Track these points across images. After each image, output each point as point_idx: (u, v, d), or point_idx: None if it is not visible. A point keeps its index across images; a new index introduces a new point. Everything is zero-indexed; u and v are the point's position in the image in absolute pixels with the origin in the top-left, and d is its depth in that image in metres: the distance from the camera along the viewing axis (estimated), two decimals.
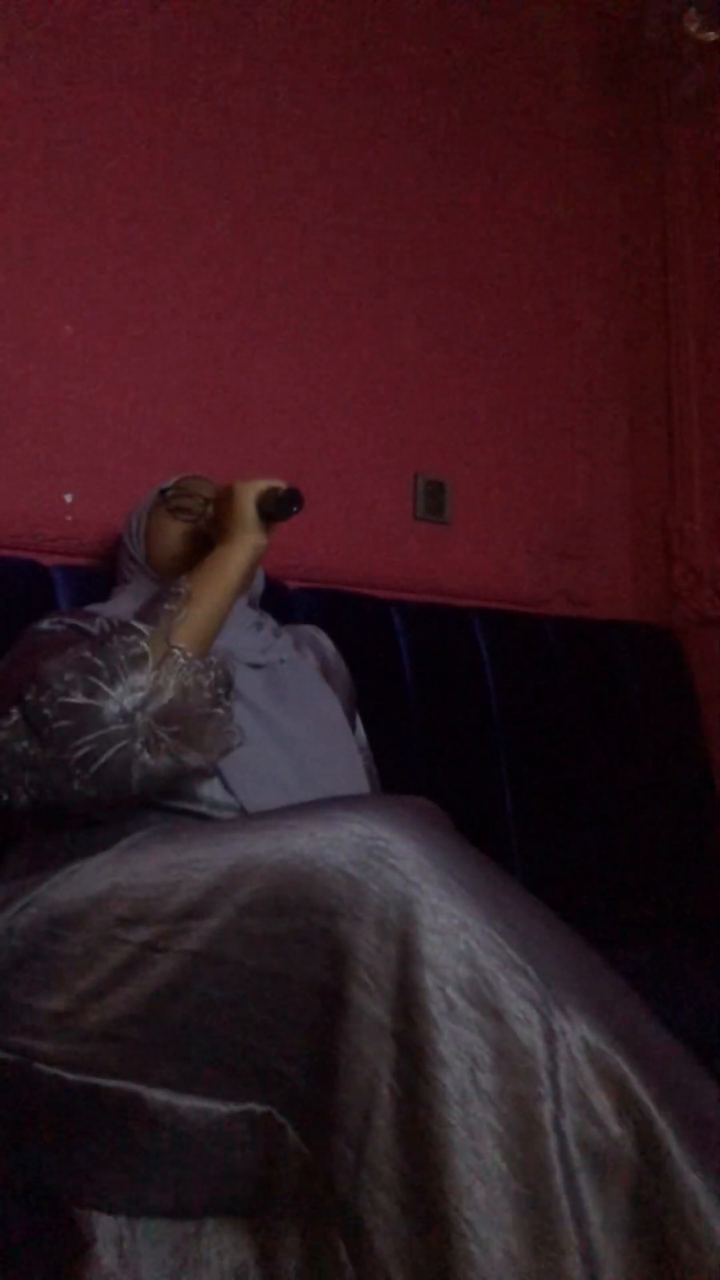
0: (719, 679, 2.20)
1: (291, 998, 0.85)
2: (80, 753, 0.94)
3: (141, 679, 0.97)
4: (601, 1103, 0.78)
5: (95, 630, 1.16)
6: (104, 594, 1.38)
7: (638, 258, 2.44)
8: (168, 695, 0.97)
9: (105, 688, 0.95)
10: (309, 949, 0.85)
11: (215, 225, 1.79)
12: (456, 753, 1.77)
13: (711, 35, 2.06)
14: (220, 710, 1.02)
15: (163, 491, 1.33)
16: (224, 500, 1.19)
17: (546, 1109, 0.76)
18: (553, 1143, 0.75)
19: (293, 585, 1.69)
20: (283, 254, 1.87)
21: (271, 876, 0.87)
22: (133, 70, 1.71)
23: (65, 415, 1.59)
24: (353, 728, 1.39)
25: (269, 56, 1.89)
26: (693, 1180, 0.76)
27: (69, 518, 1.57)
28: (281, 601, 1.60)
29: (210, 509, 1.26)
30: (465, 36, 2.20)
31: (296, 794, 1.06)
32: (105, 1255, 0.89)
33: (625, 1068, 0.79)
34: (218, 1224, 0.90)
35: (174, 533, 1.30)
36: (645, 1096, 0.78)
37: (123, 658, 0.97)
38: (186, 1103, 0.88)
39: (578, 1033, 0.80)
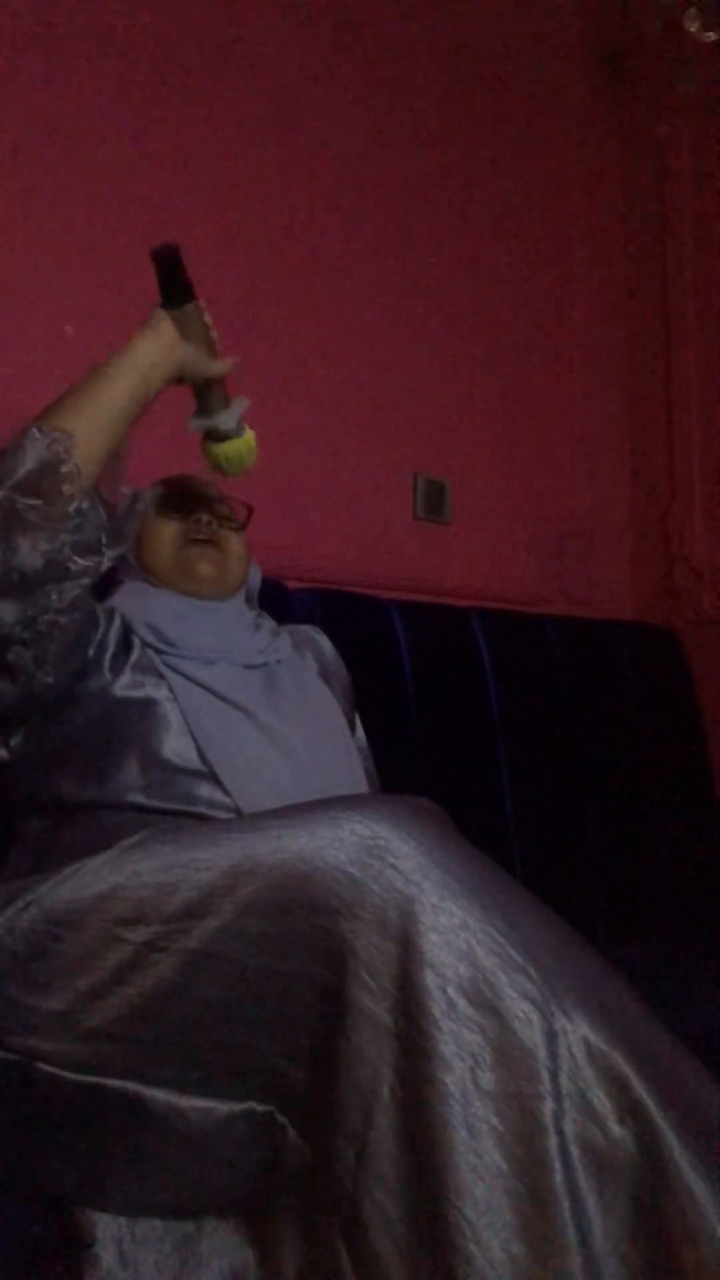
0: (719, 679, 2.20)
1: (292, 997, 0.85)
2: None
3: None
4: (602, 1102, 0.78)
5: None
6: (104, 593, 1.38)
7: (638, 259, 2.44)
8: (24, 469, 0.98)
9: None
10: (309, 949, 0.85)
11: (215, 226, 1.79)
12: (456, 752, 1.77)
13: (711, 35, 2.07)
14: (68, 488, 1.01)
15: (158, 493, 1.33)
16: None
17: (547, 1108, 0.76)
18: (553, 1142, 0.75)
19: (292, 585, 1.69)
20: (282, 255, 1.87)
21: (272, 876, 0.87)
22: (134, 71, 1.71)
23: None
24: (352, 728, 1.39)
25: (270, 59, 1.88)
26: (693, 1180, 0.76)
27: None
28: (281, 601, 1.60)
29: (205, 512, 1.27)
30: (466, 38, 2.20)
31: (293, 795, 1.06)
32: (105, 1255, 0.89)
33: (626, 1067, 0.79)
34: (218, 1224, 0.90)
35: (165, 534, 1.29)
36: (646, 1096, 0.78)
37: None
38: (187, 1102, 0.88)
39: (578, 1032, 0.80)
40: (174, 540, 1.29)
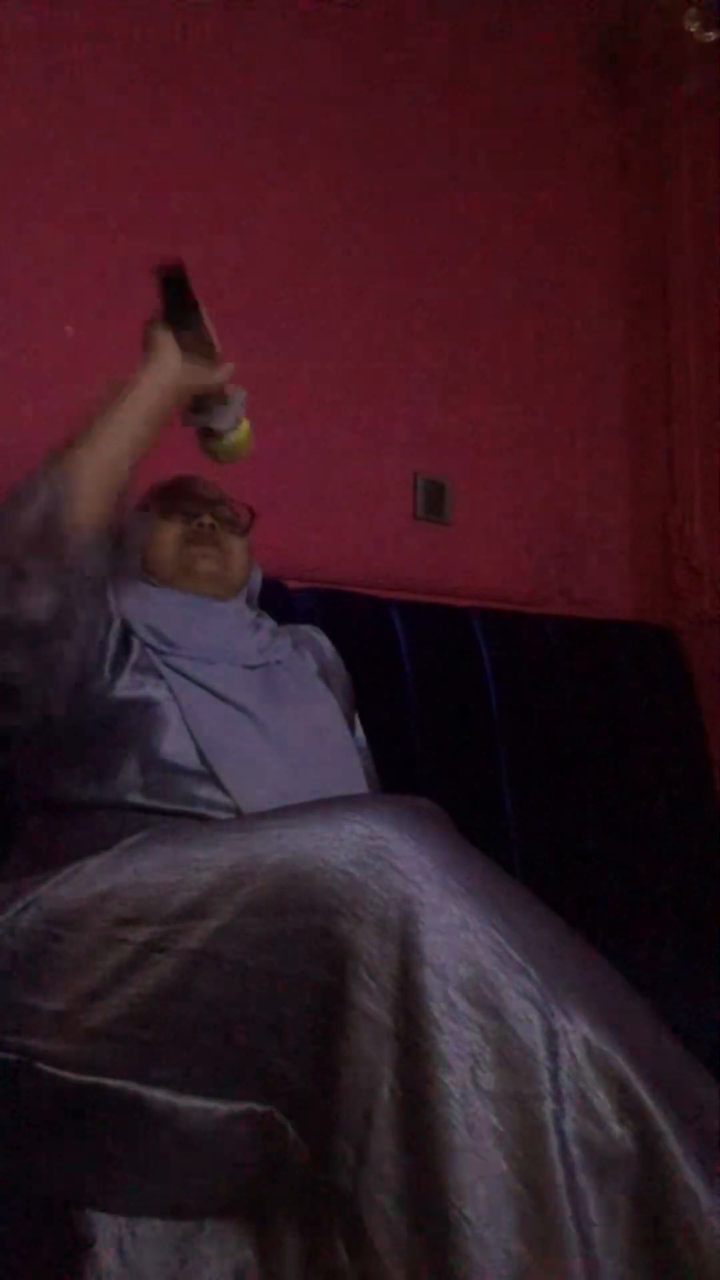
0: (719, 679, 2.20)
1: (292, 997, 0.85)
2: None
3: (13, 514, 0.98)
4: (602, 1103, 0.78)
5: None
6: None
7: (639, 260, 2.44)
8: (29, 522, 0.97)
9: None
10: (310, 949, 0.85)
11: (215, 226, 1.79)
12: (456, 752, 1.77)
13: (711, 35, 2.07)
14: (75, 540, 1.00)
15: (154, 492, 1.32)
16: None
17: (547, 1109, 0.76)
18: (554, 1142, 0.75)
19: (292, 585, 1.69)
20: (282, 255, 1.87)
21: (272, 876, 0.87)
22: (136, 74, 1.71)
23: (65, 415, 1.58)
24: (352, 728, 1.39)
25: (269, 60, 1.88)
26: (693, 1180, 0.76)
27: None
28: (281, 601, 1.60)
29: (208, 514, 1.26)
30: (466, 39, 2.20)
31: (292, 795, 1.06)
32: (105, 1255, 0.89)
33: (626, 1067, 0.79)
34: (218, 1224, 0.90)
35: (167, 535, 1.29)
36: (646, 1096, 0.78)
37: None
38: (187, 1103, 0.88)
39: (579, 1032, 0.80)
40: (176, 541, 1.29)
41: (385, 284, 2.01)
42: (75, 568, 1.00)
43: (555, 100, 2.37)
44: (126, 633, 1.20)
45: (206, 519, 1.31)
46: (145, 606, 1.25)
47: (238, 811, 1.09)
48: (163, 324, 1.13)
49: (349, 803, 0.94)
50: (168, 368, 1.13)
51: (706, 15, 2.05)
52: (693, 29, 2.05)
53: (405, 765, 1.65)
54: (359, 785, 1.26)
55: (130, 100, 1.70)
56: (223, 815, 1.09)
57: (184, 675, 1.18)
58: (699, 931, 1.93)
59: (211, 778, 1.11)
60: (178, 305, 1.10)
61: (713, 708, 2.19)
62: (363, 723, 1.44)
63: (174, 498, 1.31)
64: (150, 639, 1.20)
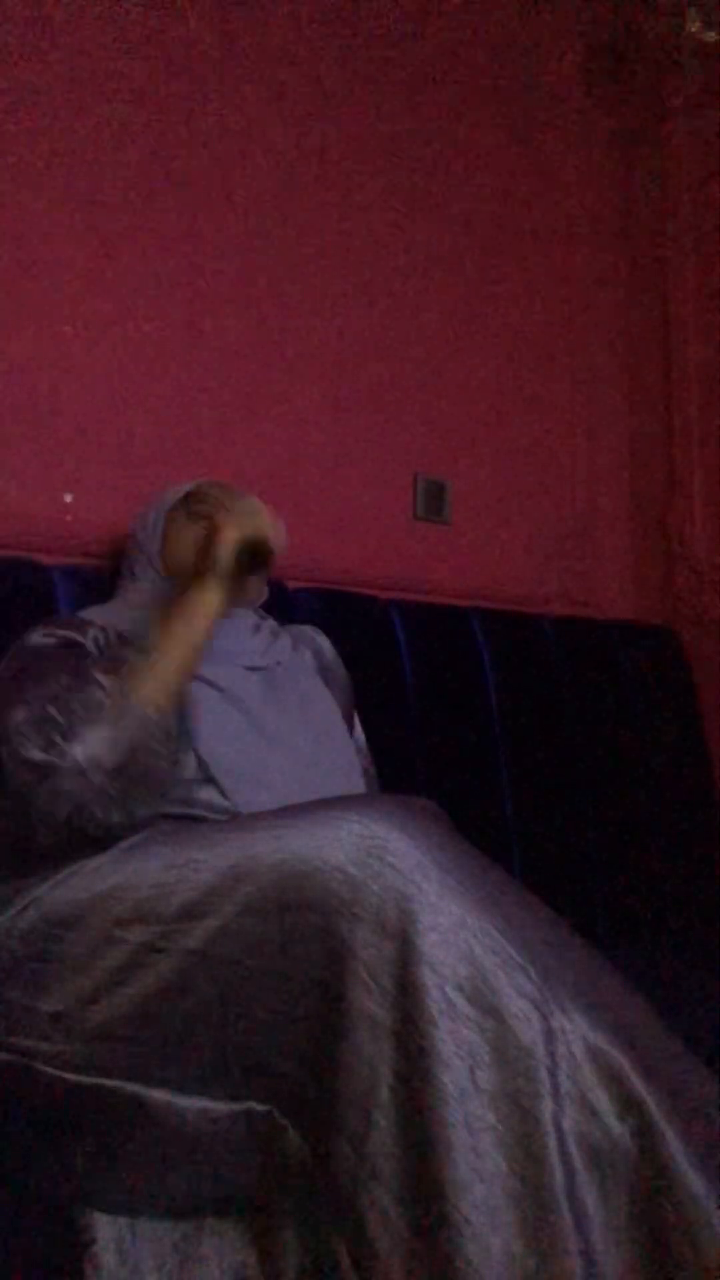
0: (719, 679, 2.20)
1: (291, 997, 0.85)
2: (38, 809, 0.96)
3: (96, 733, 0.97)
4: (601, 1101, 0.78)
5: (88, 641, 1.16)
6: (104, 594, 1.38)
7: (638, 259, 2.45)
8: (121, 747, 0.98)
9: (62, 743, 0.96)
10: (308, 948, 0.85)
11: (214, 228, 1.79)
12: (456, 753, 1.77)
13: (711, 35, 2.07)
14: (163, 764, 1.03)
15: (187, 495, 1.32)
16: (210, 536, 1.16)
17: (546, 1107, 0.76)
18: (552, 1141, 0.75)
19: (293, 585, 1.69)
20: (283, 255, 1.87)
21: (271, 876, 0.87)
22: (136, 78, 1.71)
23: (65, 415, 1.59)
24: (351, 729, 1.39)
25: (267, 61, 1.88)
26: (693, 1179, 0.76)
27: (69, 518, 1.57)
28: (281, 601, 1.60)
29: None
30: (465, 38, 2.20)
31: (290, 797, 1.06)
32: (105, 1255, 0.89)
33: (625, 1066, 0.79)
34: (218, 1224, 0.90)
35: (189, 537, 1.28)
36: (645, 1095, 0.78)
37: (81, 713, 0.98)
38: (186, 1103, 0.88)
39: (577, 1031, 0.80)
40: (195, 545, 1.27)
41: (386, 284, 2.01)
42: (158, 792, 1.03)
43: (555, 101, 2.37)
44: (126, 643, 1.19)
45: None
46: (143, 609, 1.24)
47: (236, 813, 1.09)
48: (238, 564, 1.14)
49: (347, 803, 0.94)
50: (219, 602, 1.14)
51: (707, 15, 2.05)
52: (693, 29, 2.05)
53: (405, 765, 1.65)
54: (358, 786, 1.26)
55: (133, 99, 1.70)
56: (222, 818, 1.09)
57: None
58: (699, 931, 1.93)
59: (210, 781, 1.11)
60: (254, 567, 1.15)
61: (713, 708, 2.19)
62: (363, 723, 1.44)
63: (201, 500, 1.30)
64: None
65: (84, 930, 0.92)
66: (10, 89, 1.57)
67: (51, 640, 1.14)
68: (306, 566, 1.79)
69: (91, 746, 0.97)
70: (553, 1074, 0.77)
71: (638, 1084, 0.79)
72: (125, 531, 1.46)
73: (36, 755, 0.96)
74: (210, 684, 1.19)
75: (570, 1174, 0.75)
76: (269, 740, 1.17)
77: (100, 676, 1.02)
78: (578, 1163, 0.76)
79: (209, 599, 1.12)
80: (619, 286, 2.45)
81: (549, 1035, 0.79)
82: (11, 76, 1.57)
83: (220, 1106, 0.88)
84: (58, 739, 0.96)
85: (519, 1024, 0.79)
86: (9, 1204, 0.94)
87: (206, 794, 1.10)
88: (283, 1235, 0.86)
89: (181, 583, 1.19)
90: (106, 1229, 0.90)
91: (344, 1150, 0.80)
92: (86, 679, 1.02)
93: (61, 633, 1.16)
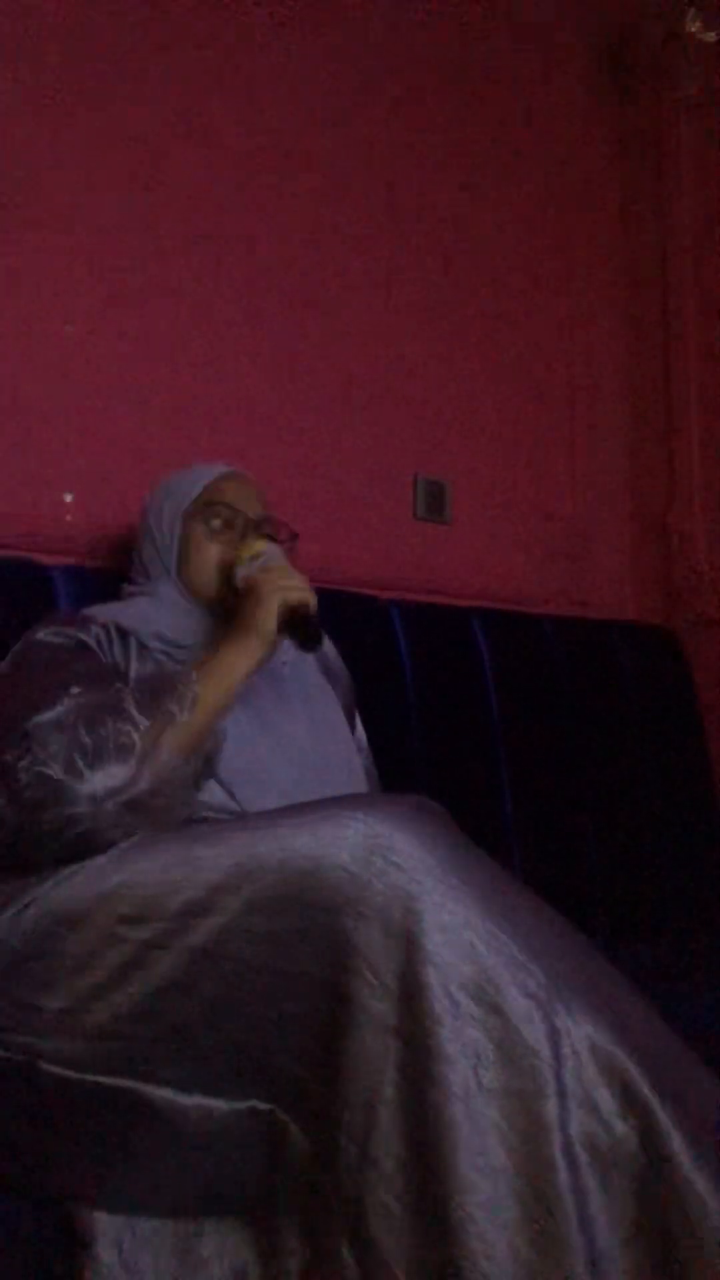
0: (719, 679, 2.20)
1: (295, 995, 0.85)
2: (45, 826, 0.95)
3: (121, 770, 0.96)
4: (605, 1100, 0.78)
5: (91, 640, 1.15)
6: (104, 594, 1.37)
7: (638, 259, 2.45)
8: (141, 788, 0.97)
9: (84, 768, 0.95)
10: (312, 947, 0.85)
11: (214, 228, 1.79)
12: (456, 752, 1.77)
13: (711, 35, 2.07)
14: (179, 808, 1.02)
15: (206, 504, 1.28)
16: (252, 593, 1.14)
17: (551, 1106, 0.76)
18: (557, 1140, 0.75)
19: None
20: (283, 255, 1.87)
21: (275, 874, 0.87)
22: (136, 82, 1.71)
23: (65, 415, 1.58)
24: (352, 728, 1.39)
25: (267, 60, 1.88)
26: (696, 1177, 0.76)
27: (69, 518, 1.57)
28: None
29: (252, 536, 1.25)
30: (465, 38, 2.20)
31: (295, 796, 1.06)
32: (105, 1255, 0.89)
33: (629, 1065, 0.79)
34: (218, 1224, 0.90)
35: (212, 557, 1.25)
36: (649, 1094, 0.78)
37: (110, 745, 0.96)
38: (189, 1101, 0.88)
39: (581, 1030, 0.80)
40: (219, 563, 1.25)
41: (386, 285, 2.01)
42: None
43: (555, 102, 2.37)
44: (126, 643, 1.19)
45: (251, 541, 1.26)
46: (158, 614, 1.23)
47: (241, 812, 1.09)
48: (281, 626, 1.13)
49: (351, 801, 0.94)
50: (256, 666, 1.13)
51: (707, 15, 2.05)
52: (693, 29, 2.06)
53: (405, 765, 1.65)
54: (361, 786, 1.27)
55: (136, 99, 1.70)
56: (226, 816, 1.09)
57: None
58: (699, 931, 1.93)
59: (216, 779, 1.11)
60: (299, 640, 1.14)
61: (713, 708, 2.19)
62: (363, 723, 1.44)
63: (217, 510, 1.27)
64: (157, 645, 1.19)
65: (87, 928, 0.92)
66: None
67: (59, 638, 1.14)
68: (307, 566, 1.79)
69: (113, 780, 0.95)
70: (557, 1073, 0.77)
71: (642, 1083, 0.79)
72: (126, 532, 1.46)
73: (56, 772, 0.94)
74: None
75: (574, 1173, 0.75)
76: (274, 739, 1.17)
77: (135, 713, 1.00)
78: (582, 1162, 0.76)
79: (246, 664, 1.11)
80: (619, 287, 2.45)
81: (553, 1034, 0.79)
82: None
83: (223, 1105, 0.88)
84: (80, 763, 0.95)
85: (523, 1023, 0.79)
86: (9, 1204, 0.94)
87: (211, 794, 1.10)
88: (284, 1235, 0.86)
89: (211, 609, 1.22)
90: (106, 1229, 0.90)
91: (347, 1149, 0.80)
92: (122, 710, 1.00)
93: (69, 631, 1.15)
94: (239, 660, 1.10)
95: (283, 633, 1.13)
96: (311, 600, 1.15)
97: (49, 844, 0.96)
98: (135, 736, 0.98)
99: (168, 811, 1.00)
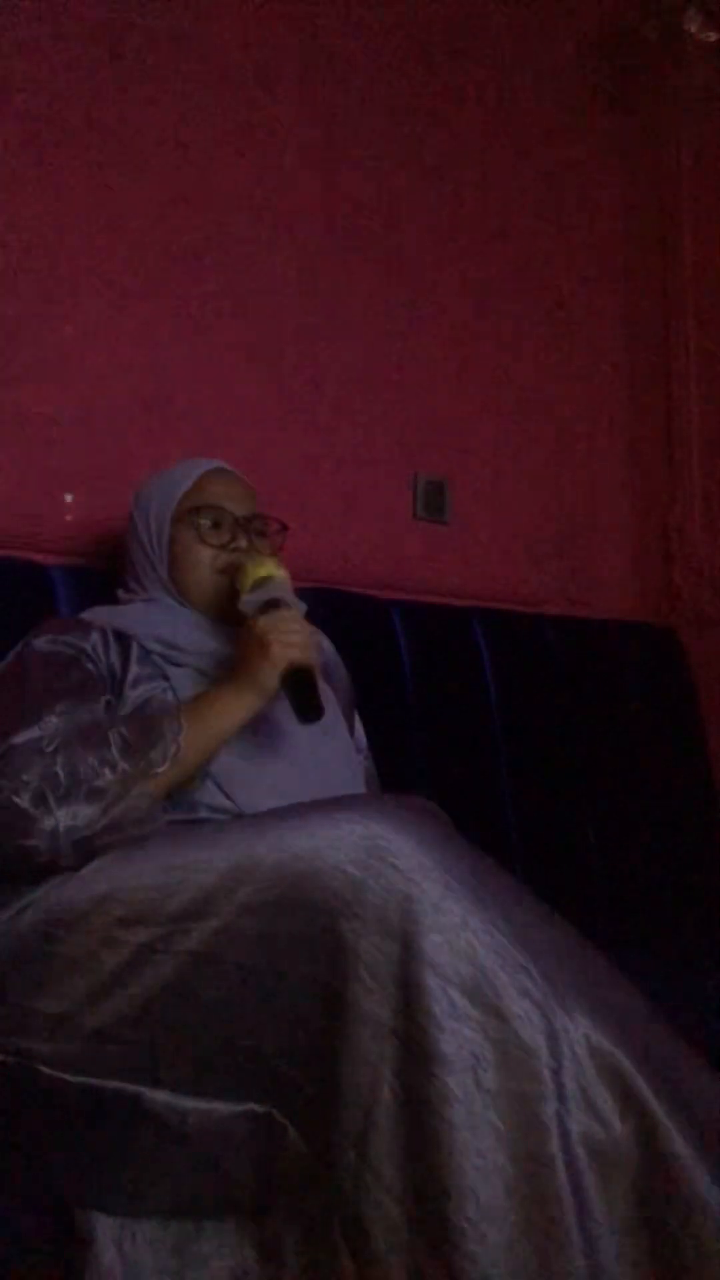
0: (719, 679, 2.20)
1: (292, 998, 0.85)
2: (5, 850, 0.95)
3: (87, 812, 0.95)
4: (604, 1101, 0.78)
5: (90, 646, 1.14)
6: (104, 593, 1.37)
7: (639, 259, 2.44)
8: (101, 826, 0.96)
9: (52, 803, 0.94)
10: (310, 949, 0.85)
11: (214, 228, 1.79)
12: (456, 753, 1.77)
13: (711, 35, 2.07)
14: (147, 828, 1.00)
15: (194, 509, 1.25)
16: (259, 641, 1.10)
17: (549, 1107, 0.76)
18: (556, 1141, 0.75)
19: (293, 585, 1.69)
20: (283, 256, 1.87)
21: (272, 876, 0.87)
22: (137, 87, 1.71)
23: (65, 415, 1.58)
24: (351, 728, 1.39)
25: (266, 59, 1.88)
26: (696, 1177, 0.76)
27: (69, 518, 1.57)
28: None
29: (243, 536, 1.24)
30: (465, 38, 2.20)
31: (292, 797, 1.06)
32: (105, 1255, 0.89)
33: (628, 1066, 0.79)
34: (218, 1224, 0.90)
35: (204, 564, 1.24)
36: (648, 1094, 0.78)
37: (83, 786, 0.96)
38: (187, 1104, 0.88)
39: (580, 1031, 0.80)
40: (210, 566, 1.25)
41: (385, 284, 2.01)
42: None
43: (555, 103, 2.37)
44: (124, 647, 1.18)
45: (242, 542, 1.26)
46: (156, 617, 1.23)
47: (238, 814, 1.08)
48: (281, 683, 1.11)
49: (348, 803, 0.94)
50: (251, 715, 1.12)
51: (707, 15, 2.05)
52: (693, 29, 2.05)
53: (405, 765, 1.65)
54: (359, 786, 1.26)
55: (136, 99, 1.70)
56: (223, 818, 1.08)
57: (190, 681, 1.17)
58: (699, 930, 1.93)
59: (213, 781, 1.11)
60: (295, 704, 1.11)
61: (713, 708, 2.19)
62: (363, 723, 1.44)
63: (204, 513, 1.25)
64: (156, 648, 1.19)
65: (84, 931, 0.92)
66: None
67: (57, 646, 1.13)
68: (306, 566, 1.79)
69: (76, 820, 0.94)
70: (556, 1074, 0.77)
71: (641, 1083, 0.79)
72: (125, 532, 1.46)
73: (23, 802, 0.94)
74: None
75: (574, 1173, 0.75)
76: (271, 740, 1.17)
77: (116, 753, 0.98)
78: (581, 1162, 0.76)
79: (241, 716, 1.10)
80: (619, 286, 2.45)
81: (552, 1035, 0.79)
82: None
83: (221, 1107, 0.88)
84: (50, 798, 0.94)
85: (522, 1024, 0.79)
86: (9, 1204, 0.94)
87: (208, 794, 1.10)
88: (283, 1235, 0.86)
89: (208, 612, 1.21)
90: (106, 1229, 0.90)
91: (345, 1150, 0.80)
92: (104, 743, 0.99)
93: (66, 639, 1.14)
94: (236, 712, 1.09)
95: (282, 688, 1.10)
96: (316, 663, 1.13)
97: (10, 865, 0.97)
98: (109, 780, 0.97)
99: (125, 839, 0.98)
